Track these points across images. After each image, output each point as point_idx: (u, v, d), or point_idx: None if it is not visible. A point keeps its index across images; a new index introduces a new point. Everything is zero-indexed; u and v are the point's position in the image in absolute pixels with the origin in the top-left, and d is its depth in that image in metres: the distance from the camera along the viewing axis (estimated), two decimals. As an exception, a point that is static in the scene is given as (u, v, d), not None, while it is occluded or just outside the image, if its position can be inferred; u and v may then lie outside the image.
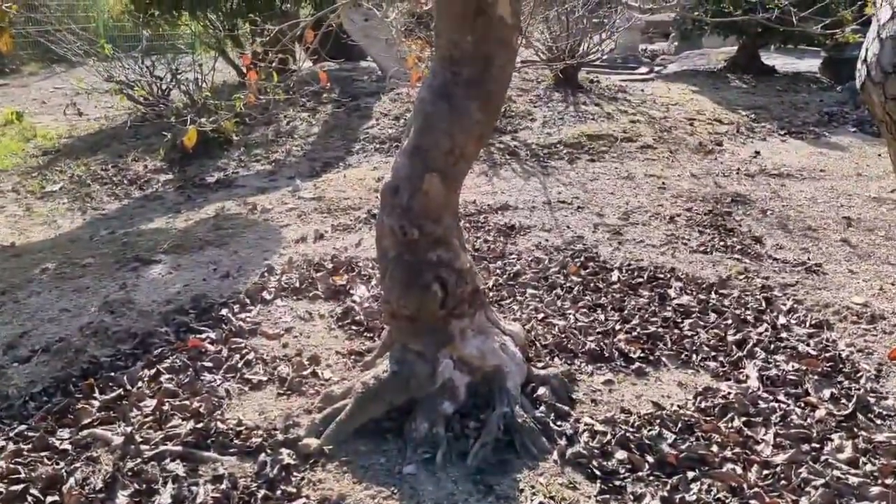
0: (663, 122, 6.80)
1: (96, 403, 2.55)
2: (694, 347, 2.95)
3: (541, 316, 3.22)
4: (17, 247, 4.37)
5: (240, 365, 2.81)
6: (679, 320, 3.18)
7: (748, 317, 3.18)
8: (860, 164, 5.68)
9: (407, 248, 2.40)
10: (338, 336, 3.08)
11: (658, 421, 2.45)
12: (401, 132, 6.16)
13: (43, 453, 2.29)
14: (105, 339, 3.02)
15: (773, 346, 2.95)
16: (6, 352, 2.99)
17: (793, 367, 2.79)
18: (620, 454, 2.30)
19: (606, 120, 6.78)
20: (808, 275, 3.62)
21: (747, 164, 5.71)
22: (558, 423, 2.45)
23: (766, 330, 3.07)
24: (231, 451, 2.30)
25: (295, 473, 2.19)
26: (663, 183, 5.19)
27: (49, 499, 2.08)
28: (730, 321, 3.14)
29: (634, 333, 3.05)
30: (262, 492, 2.09)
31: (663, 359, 2.90)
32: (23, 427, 2.42)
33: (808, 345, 2.95)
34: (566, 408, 2.53)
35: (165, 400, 2.56)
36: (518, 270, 3.70)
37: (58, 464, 2.23)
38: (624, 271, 3.69)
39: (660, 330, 3.08)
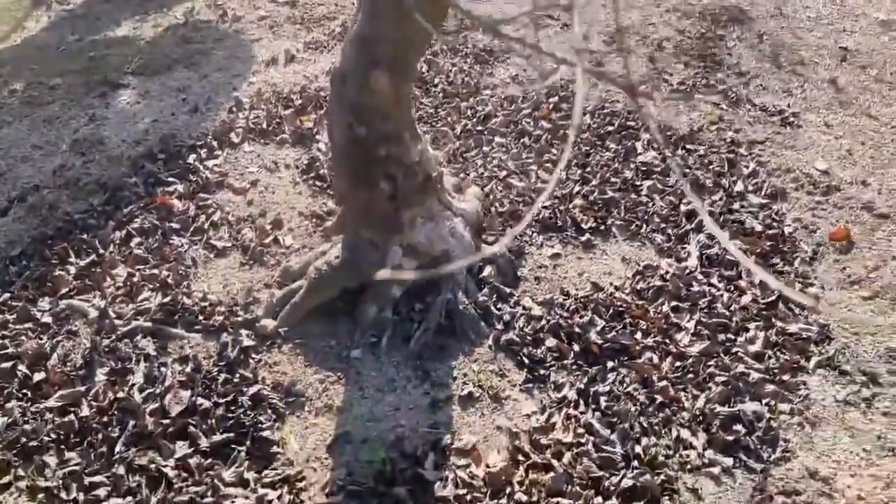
0: None
1: (72, 270, 2.74)
2: (646, 217, 3.05)
3: (502, 174, 3.26)
4: (-17, 55, 4.26)
5: (206, 226, 2.95)
6: (638, 183, 3.23)
7: (707, 181, 3.22)
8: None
9: (355, 144, 2.40)
10: (301, 192, 3.17)
11: (592, 306, 2.64)
12: None
13: (27, 325, 2.53)
14: (77, 192, 3.13)
15: (722, 217, 3.04)
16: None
17: (735, 244, 2.91)
18: (550, 341, 2.52)
19: None
20: (782, 128, 3.57)
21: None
22: (498, 306, 2.64)
23: (721, 198, 3.14)
24: (196, 328, 2.53)
25: (253, 355, 2.44)
26: (662, -10, 4.83)
27: (37, 376, 2.35)
28: (685, 181, 3.19)
29: (591, 198, 3.13)
30: (223, 376, 2.36)
31: (614, 229, 3.01)
32: (7, 295, 2.64)
33: (756, 217, 3.04)
34: (508, 289, 2.71)
35: (136, 268, 2.74)
36: (489, 112, 3.65)
37: (41, 338, 2.48)
38: (596, 116, 3.64)
39: (616, 195, 3.14)
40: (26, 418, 2.23)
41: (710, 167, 3.31)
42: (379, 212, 2.51)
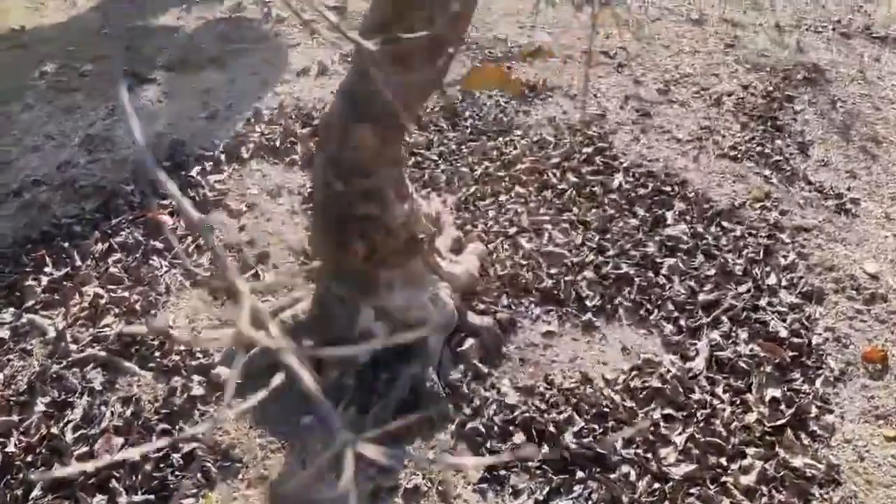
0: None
1: (44, 281, 2.66)
2: (659, 301, 2.77)
3: (513, 230, 3.02)
4: (27, 32, 4.25)
5: (191, 249, 2.83)
6: (660, 260, 2.93)
7: (737, 268, 2.91)
8: None
9: (332, 198, 2.22)
10: (298, 223, 3.01)
11: (575, 401, 2.40)
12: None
13: (-14, 336, 2.46)
14: (72, 194, 3.05)
15: (744, 315, 2.72)
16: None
17: (751, 350, 2.60)
18: (518, 437, 2.30)
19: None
20: (836, 215, 3.21)
21: (854, 13, 4.79)
22: (472, 386, 2.43)
23: (748, 291, 2.82)
24: (150, 365, 2.41)
25: (199, 406, 2.30)
26: (736, 36, 4.46)
27: (-22, 395, 2.27)
28: (712, 272, 2.88)
29: (603, 271, 2.86)
30: (162, 426, 2.22)
31: (621, 310, 2.74)
32: (-26, 301, 2.58)
33: (784, 320, 2.72)
34: (487, 368, 2.49)
35: (108, 287, 2.64)
36: (515, 156, 3.41)
37: (-7, 354, 2.41)
38: (630, 175, 3.35)
39: (632, 271, 2.87)
40: (-46, 443, 2.15)
41: (744, 252, 2.98)
42: (352, 270, 2.32)
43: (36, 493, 2.03)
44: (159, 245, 2.82)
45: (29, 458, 2.11)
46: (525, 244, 2.96)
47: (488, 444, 2.27)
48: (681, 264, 2.92)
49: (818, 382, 2.52)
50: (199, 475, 2.11)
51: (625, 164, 3.39)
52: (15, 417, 2.21)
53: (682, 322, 2.70)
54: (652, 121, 3.70)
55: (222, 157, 3.27)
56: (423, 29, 1.91)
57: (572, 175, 3.32)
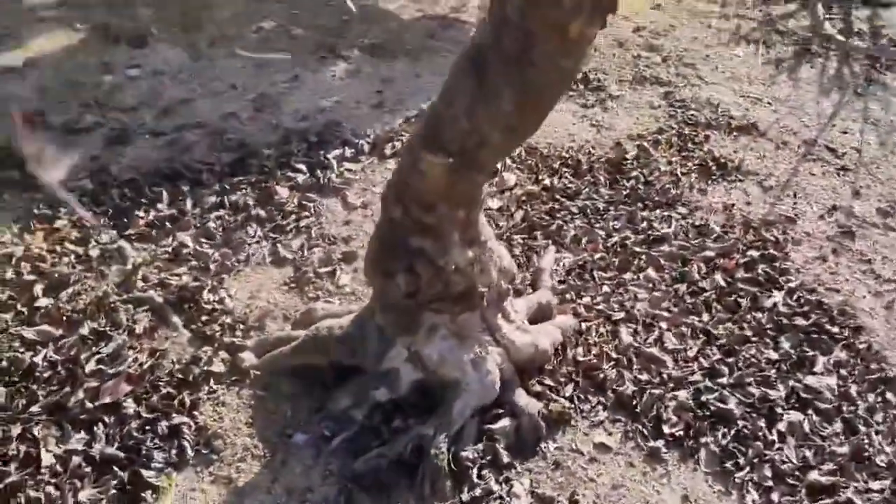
0: None
1: (151, 215, 2.78)
2: (756, 460, 2.22)
3: (619, 316, 2.61)
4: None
5: (288, 229, 2.80)
6: (782, 410, 2.36)
7: (880, 458, 2.24)
8: None
9: (391, 223, 2.03)
10: (400, 235, 2.86)
11: (590, 541, 1.99)
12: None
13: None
14: (217, 143, 3.18)
15: (862, 520, 2.10)
16: (161, 117, 3.33)
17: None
18: (506, 555, 1.96)
19: None
20: None
21: None
22: (483, 473, 2.11)
23: (881, 492, 2.16)
24: (193, 326, 2.40)
25: (212, 384, 2.24)
26: None
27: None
28: (845, 451, 2.25)
29: (703, 398, 2.36)
30: (167, 390, 2.20)
31: (703, 453, 2.24)
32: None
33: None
34: (509, 459, 2.15)
35: (199, 239, 2.69)
36: (665, 235, 2.95)
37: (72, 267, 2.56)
38: (793, 298, 2.75)
39: (739, 411, 2.33)
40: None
41: (900, 441, 2.30)
42: (398, 304, 2.12)
43: (35, 409, 2.10)
44: (263, 214, 2.83)
45: (47, 374, 2.19)
46: (626, 336, 2.55)
47: (468, 546, 1.96)
48: (807, 426, 2.33)
49: None
50: (173, 452, 2.05)
51: (792, 284, 2.79)
52: (59, 331, 2.32)
53: (775, 498, 2.14)
54: (853, 244, 3.02)
55: (366, 147, 3.23)
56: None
57: (721, 276, 2.81)
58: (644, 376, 2.42)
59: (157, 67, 3.67)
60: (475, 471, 2.10)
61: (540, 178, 3.21)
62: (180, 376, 2.23)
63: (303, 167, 3.08)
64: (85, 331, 2.34)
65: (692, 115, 3.65)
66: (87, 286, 2.50)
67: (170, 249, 2.65)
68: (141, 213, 2.78)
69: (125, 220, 2.75)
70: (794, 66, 4.05)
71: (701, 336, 2.58)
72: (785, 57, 4.13)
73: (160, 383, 2.21)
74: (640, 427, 2.29)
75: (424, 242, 2.00)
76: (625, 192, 3.17)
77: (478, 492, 2.05)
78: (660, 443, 2.25)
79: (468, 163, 1.88)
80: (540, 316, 2.50)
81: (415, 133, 1.96)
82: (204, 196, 2.87)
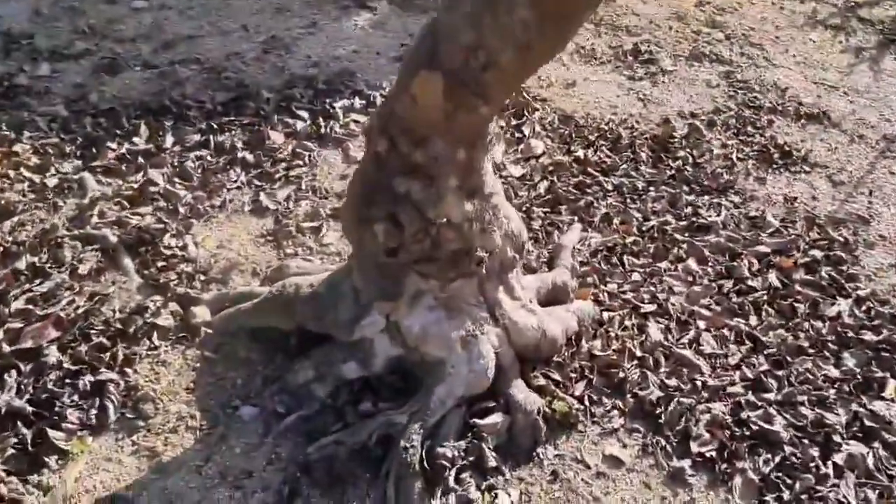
0: None
1: (125, 147, 2.46)
2: (802, 495, 1.78)
3: (650, 308, 2.19)
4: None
5: (277, 177, 2.45)
6: (840, 439, 1.91)
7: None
8: None
9: (376, 159, 1.65)
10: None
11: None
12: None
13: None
14: (214, 81, 2.86)
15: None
16: (159, 50, 3.02)
17: None
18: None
19: None
20: None
21: None
22: (462, 475, 1.72)
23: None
24: (146, 272, 2.06)
25: (155, 339, 1.89)
26: None
27: None
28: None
29: (744, 415, 1.93)
30: (101, 340, 1.86)
31: (738, 480, 1.81)
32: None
33: None
34: (498, 463, 1.75)
35: (172, 179, 2.36)
36: (712, 224, 2.52)
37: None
38: (862, 309, 2.29)
39: (787, 435, 1.90)
40: None
41: None
42: (380, 262, 1.74)
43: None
44: (251, 158, 2.49)
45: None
46: (655, 332, 2.13)
47: (431, 565, 1.57)
48: (871, 460, 1.88)
49: None
50: (93, 412, 1.71)
51: (862, 292, 2.34)
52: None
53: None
54: (937, 254, 2.55)
55: (377, 100, 2.86)
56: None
57: (776, 275, 2.36)
58: (673, 381, 2.00)
59: (166, 1, 3.37)
60: (453, 473, 1.71)
61: (572, 148, 2.80)
62: (119, 326, 1.89)
63: (304, 114, 2.73)
64: (21, 265, 2.01)
65: (755, 97, 3.20)
66: (35, 217, 2.18)
67: (135, 185, 2.31)
68: (113, 146, 2.46)
69: (94, 150, 2.44)
70: (877, 57, 3.57)
71: (746, 342, 2.15)
72: (866, 46, 3.64)
73: (93, 332, 1.87)
74: (662, 441, 1.87)
75: (412, 185, 1.62)
76: (669, 173, 2.74)
77: (452, 499, 1.66)
78: (685, 463, 1.83)
79: (471, 87, 1.49)
80: (553, 298, 2.10)
81: (410, 48, 1.58)
82: (187, 134, 2.55)
